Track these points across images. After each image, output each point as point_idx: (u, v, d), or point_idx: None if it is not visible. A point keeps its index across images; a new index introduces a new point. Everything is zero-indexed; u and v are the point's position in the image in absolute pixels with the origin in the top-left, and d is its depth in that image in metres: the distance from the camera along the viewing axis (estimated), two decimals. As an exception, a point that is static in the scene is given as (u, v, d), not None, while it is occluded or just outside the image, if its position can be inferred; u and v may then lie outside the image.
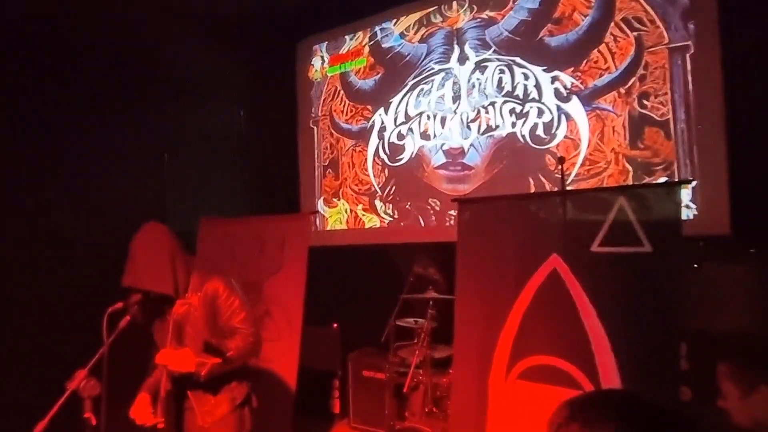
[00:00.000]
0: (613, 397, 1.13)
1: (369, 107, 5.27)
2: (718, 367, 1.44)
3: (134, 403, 2.43)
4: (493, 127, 4.51)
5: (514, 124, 4.40)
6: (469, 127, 4.63)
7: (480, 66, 4.59)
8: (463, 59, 4.69)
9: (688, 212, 3.63)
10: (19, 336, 3.43)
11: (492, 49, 4.53)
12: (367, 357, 4.51)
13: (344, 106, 5.45)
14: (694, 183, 3.64)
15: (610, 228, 2.71)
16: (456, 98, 4.72)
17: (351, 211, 5.37)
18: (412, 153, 4.96)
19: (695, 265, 3.42)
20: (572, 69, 4.14)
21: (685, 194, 3.62)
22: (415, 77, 4.97)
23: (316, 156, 5.65)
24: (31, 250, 3.61)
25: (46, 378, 2.32)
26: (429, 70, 4.89)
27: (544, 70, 4.27)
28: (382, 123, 5.16)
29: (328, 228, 5.52)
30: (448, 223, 4.67)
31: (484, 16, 4.59)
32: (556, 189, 3.96)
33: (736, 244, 3.40)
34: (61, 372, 2.11)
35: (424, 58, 4.93)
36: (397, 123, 5.06)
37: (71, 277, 3.72)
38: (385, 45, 5.18)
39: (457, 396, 3.22)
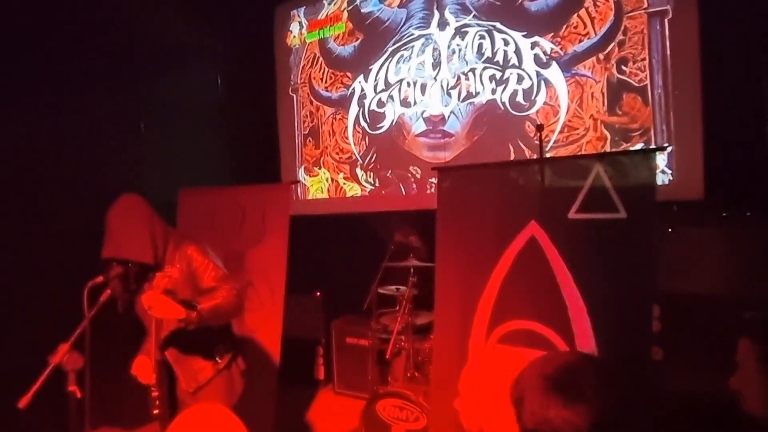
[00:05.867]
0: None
1: (348, 74, 5.20)
2: (741, 344, 1.42)
3: (134, 362, 2.46)
4: (474, 93, 4.49)
5: (494, 91, 4.39)
6: (449, 94, 4.61)
7: (460, 31, 4.54)
8: (443, 24, 4.63)
9: (663, 177, 3.69)
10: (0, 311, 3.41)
11: (472, 14, 4.48)
12: (350, 324, 4.57)
13: (323, 73, 5.37)
14: (669, 149, 3.69)
15: (586, 195, 2.73)
16: (436, 65, 4.67)
17: (332, 179, 5.35)
18: (393, 120, 4.94)
19: (669, 230, 3.50)
20: (552, 34, 4.12)
21: (661, 160, 3.67)
22: (394, 43, 4.90)
23: (295, 124, 5.58)
24: (7, 225, 3.54)
25: (28, 352, 2.31)
26: (409, 36, 4.82)
27: (524, 36, 4.24)
28: (362, 90, 5.10)
29: (310, 197, 5.50)
30: (428, 191, 4.69)
31: (463, -21, 4.52)
32: (535, 156, 3.98)
33: (709, 209, 3.48)
34: (44, 346, 2.11)
35: (404, 24, 4.85)
36: (377, 90, 5.01)
37: (49, 250, 3.67)
38: (364, 10, 5.08)
39: (437, 360, 3.28)
